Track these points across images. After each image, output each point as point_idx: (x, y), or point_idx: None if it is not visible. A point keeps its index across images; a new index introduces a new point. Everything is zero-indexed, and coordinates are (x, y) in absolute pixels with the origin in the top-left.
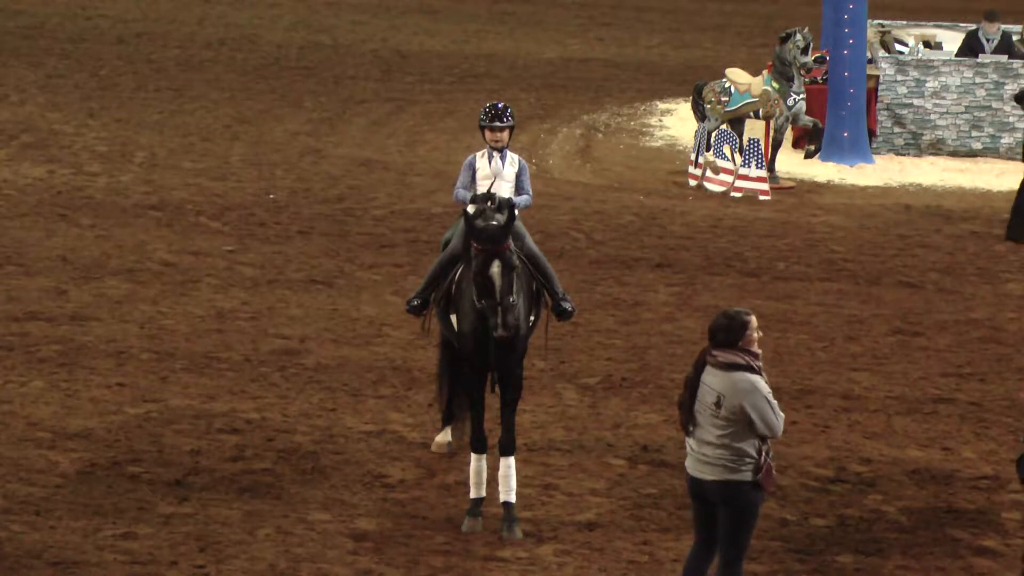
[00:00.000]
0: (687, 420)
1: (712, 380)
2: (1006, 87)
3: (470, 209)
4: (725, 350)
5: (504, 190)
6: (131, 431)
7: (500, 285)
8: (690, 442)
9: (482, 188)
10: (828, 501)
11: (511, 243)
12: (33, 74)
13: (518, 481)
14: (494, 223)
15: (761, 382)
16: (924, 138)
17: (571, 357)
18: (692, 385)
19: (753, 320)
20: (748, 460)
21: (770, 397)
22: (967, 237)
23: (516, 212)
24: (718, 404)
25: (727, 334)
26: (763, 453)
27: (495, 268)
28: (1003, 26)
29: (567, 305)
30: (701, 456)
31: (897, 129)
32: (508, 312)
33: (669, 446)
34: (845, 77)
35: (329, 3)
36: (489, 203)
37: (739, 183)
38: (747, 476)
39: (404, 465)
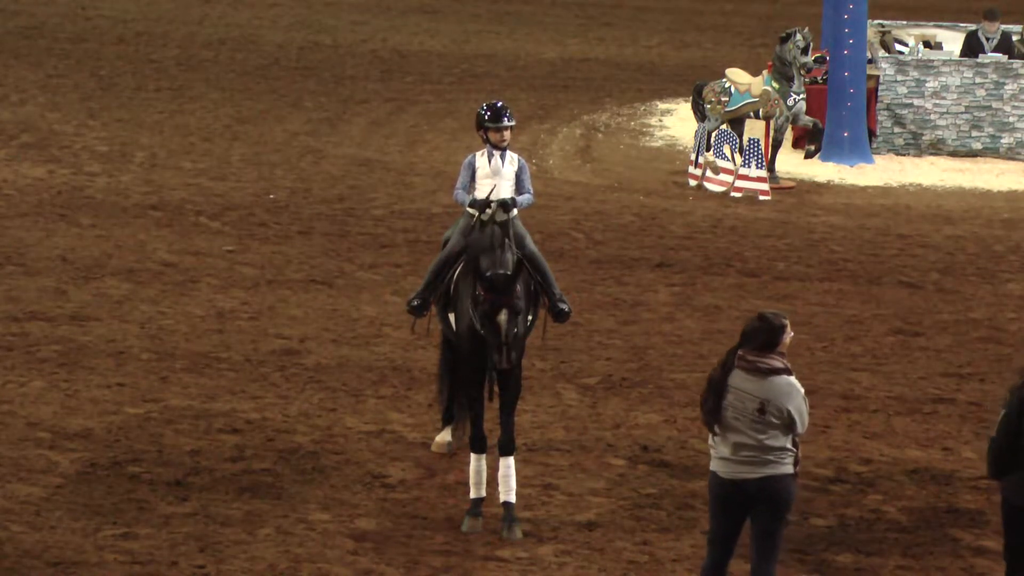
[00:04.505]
0: (711, 421)
1: (750, 386)
2: (1006, 87)
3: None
4: (762, 354)
5: (504, 189)
6: (131, 431)
7: (506, 330)
8: (721, 449)
9: (482, 187)
10: (828, 501)
11: (519, 289)
12: (33, 74)
13: (518, 481)
14: (503, 271)
15: (798, 383)
16: (924, 138)
17: (571, 357)
18: (717, 387)
19: (788, 323)
20: (788, 453)
21: (805, 396)
22: (967, 237)
23: (516, 212)
24: (762, 411)
25: (768, 337)
26: (797, 445)
27: (503, 316)
28: (1003, 26)
29: (564, 306)
30: (741, 458)
31: (897, 129)
32: (512, 349)
33: (669, 446)
34: (845, 77)
35: (329, 3)
36: (489, 208)
37: (739, 183)
38: (789, 468)
39: (404, 465)
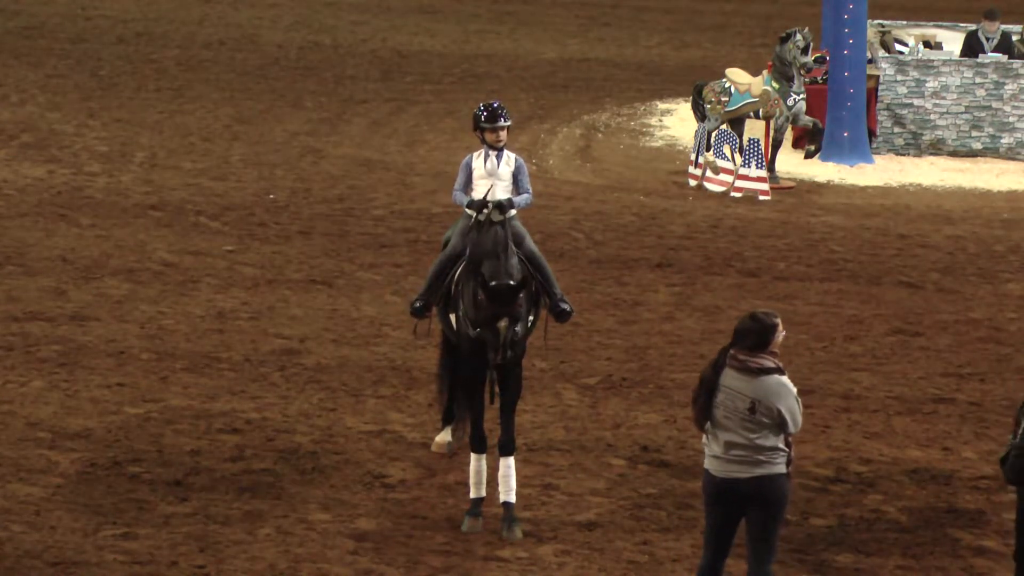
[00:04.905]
0: (701, 419)
1: (741, 385)
2: (1006, 87)
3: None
4: (754, 354)
5: (501, 190)
6: (131, 431)
7: (505, 336)
8: (713, 447)
9: (479, 187)
10: (828, 501)
11: (522, 300)
12: (33, 74)
13: (518, 481)
14: (507, 281)
15: (790, 383)
16: (924, 138)
17: (571, 357)
18: (709, 385)
19: (780, 323)
20: (780, 453)
21: (797, 396)
22: (967, 237)
23: (515, 212)
24: (752, 410)
25: (760, 336)
26: (790, 445)
27: (503, 324)
28: (1003, 26)
29: (565, 306)
30: (732, 457)
31: (897, 129)
32: (508, 347)
33: (669, 446)
34: (845, 77)
35: (329, 3)
36: (486, 209)
37: (739, 183)
38: (781, 468)
39: (404, 465)
